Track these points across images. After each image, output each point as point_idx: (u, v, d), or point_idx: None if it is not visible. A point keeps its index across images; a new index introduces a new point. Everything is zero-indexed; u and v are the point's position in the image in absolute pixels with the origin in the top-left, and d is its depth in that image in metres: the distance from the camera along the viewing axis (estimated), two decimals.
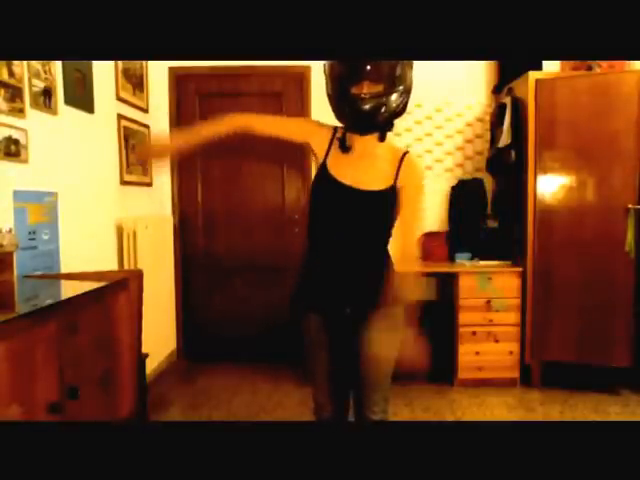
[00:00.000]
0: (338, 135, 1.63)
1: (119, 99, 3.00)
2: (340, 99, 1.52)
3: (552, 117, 3.01)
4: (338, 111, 1.56)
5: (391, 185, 1.59)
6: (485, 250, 3.28)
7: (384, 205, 1.60)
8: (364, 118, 1.51)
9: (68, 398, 1.43)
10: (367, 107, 1.47)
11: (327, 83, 1.56)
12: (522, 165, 3.12)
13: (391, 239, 1.68)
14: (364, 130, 1.58)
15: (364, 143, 1.61)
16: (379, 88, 1.47)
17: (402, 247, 1.67)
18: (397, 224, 1.66)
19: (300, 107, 3.58)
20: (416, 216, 1.69)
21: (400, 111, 1.55)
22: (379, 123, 1.54)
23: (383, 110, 1.49)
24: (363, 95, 1.47)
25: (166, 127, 3.66)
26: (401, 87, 1.50)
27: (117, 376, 1.88)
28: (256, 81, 3.63)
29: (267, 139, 1.68)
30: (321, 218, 1.65)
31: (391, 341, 1.65)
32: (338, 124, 1.63)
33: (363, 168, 1.60)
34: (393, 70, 1.48)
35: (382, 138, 1.61)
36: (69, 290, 1.76)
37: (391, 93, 1.48)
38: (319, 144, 1.65)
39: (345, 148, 1.61)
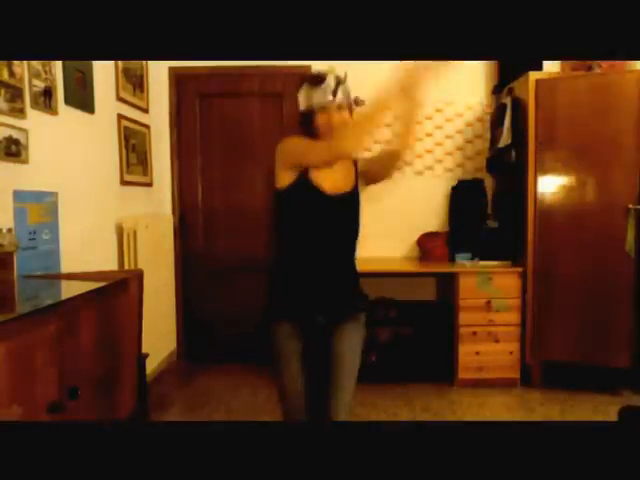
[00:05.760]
0: None
1: (119, 99, 3.00)
2: None
3: (552, 117, 3.01)
4: None
5: (353, 185, 1.69)
6: (485, 250, 3.28)
7: (352, 206, 1.70)
8: None
9: (68, 398, 1.43)
10: None
11: None
12: (522, 165, 3.12)
13: None
14: None
15: None
16: None
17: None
18: None
19: None
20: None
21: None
22: None
23: None
24: None
25: (166, 127, 3.66)
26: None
27: (117, 376, 1.88)
28: (256, 81, 3.64)
29: None
30: (300, 225, 1.64)
31: (358, 343, 1.72)
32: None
33: (338, 172, 1.67)
34: None
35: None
36: (69, 290, 1.76)
37: None
38: None
39: None
